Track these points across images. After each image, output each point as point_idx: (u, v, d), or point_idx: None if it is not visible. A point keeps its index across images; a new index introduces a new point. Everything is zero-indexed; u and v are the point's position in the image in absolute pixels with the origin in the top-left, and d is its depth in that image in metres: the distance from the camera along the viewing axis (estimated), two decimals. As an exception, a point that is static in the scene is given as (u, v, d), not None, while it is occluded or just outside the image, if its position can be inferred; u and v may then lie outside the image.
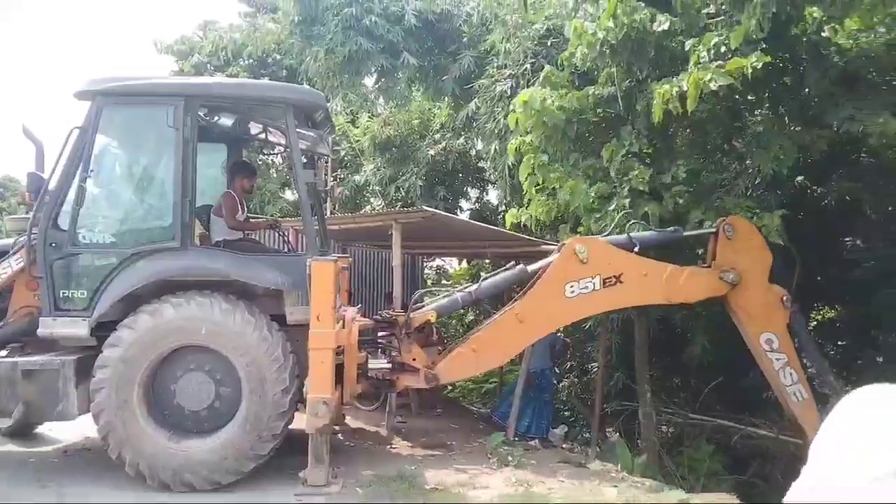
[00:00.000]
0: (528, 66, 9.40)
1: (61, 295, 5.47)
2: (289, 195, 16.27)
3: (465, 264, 16.62)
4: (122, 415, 5.20)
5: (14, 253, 5.69)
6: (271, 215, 12.64)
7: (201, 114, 5.84)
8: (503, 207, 13.62)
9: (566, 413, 11.65)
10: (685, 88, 6.11)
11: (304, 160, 5.95)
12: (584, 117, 7.51)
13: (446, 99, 12.41)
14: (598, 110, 7.60)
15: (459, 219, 8.45)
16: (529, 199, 8.11)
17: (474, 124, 11.35)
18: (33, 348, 5.61)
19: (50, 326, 5.42)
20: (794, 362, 6.05)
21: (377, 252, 11.90)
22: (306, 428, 5.23)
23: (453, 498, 5.17)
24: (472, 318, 14.37)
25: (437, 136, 13.51)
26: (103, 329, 5.41)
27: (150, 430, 5.25)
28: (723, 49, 6.12)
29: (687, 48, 6.40)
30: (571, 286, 6.03)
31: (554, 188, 7.58)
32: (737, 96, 7.23)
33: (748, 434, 8.66)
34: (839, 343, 9.51)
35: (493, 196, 14.84)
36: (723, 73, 5.91)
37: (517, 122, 7.61)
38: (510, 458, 6.34)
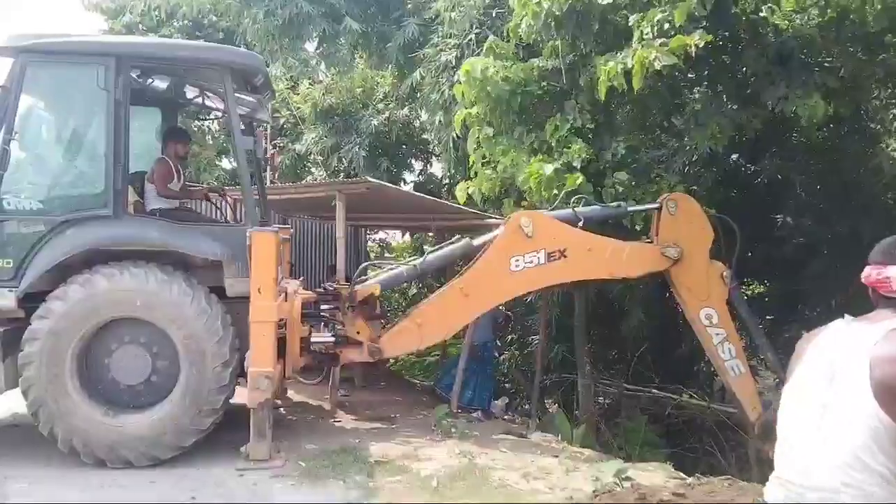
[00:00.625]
0: (473, 36, 9.30)
1: (-15, 264, 5.17)
2: (226, 163, 15.82)
3: (408, 237, 16.54)
4: (53, 389, 4.99)
5: (-70, 220, 5.31)
6: (207, 183, 12.23)
7: (134, 75, 5.56)
8: (447, 180, 13.60)
9: (506, 385, 11.83)
10: (630, 66, 6.17)
11: (243, 127, 5.74)
12: (529, 90, 7.49)
13: (390, 67, 12.22)
14: (543, 83, 7.59)
15: (403, 190, 8.39)
16: (476, 173, 8.09)
17: (418, 95, 11.22)
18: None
19: (-28, 298, 5.12)
20: (732, 337, 6.22)
21: (319, 223, 11.69)
22: (248, 402, 5.14)
23: (399, 471, 5.18)
24: (415, 291, 14.35)
25: (381, 105, 13.29)
26: (31, 300, 5.15)
27: (83, 405, 5.05)
28: (666, 26, 6.19)
29: (631, 23, 6.45)
30: (516, 260, 6.05)
31: (498, 162, 7.58)
32: (677, 74, 7.36)
33: (680, 404, 9.02)
34: (767, 317, 9.93)
35: (437, 168, 14.75)
36: (667, 51, 5.98)
37: (462, 94, 7.56)
38: (453, 430, 6.39)
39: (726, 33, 7.02)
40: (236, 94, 5.57)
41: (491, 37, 7.72)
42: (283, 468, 5.16)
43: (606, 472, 5.13)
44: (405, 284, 12.65)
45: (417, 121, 13.77)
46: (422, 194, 9.15)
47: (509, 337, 11.97)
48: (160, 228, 5.39)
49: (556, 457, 5.79)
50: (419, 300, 12.68)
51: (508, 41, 7.70)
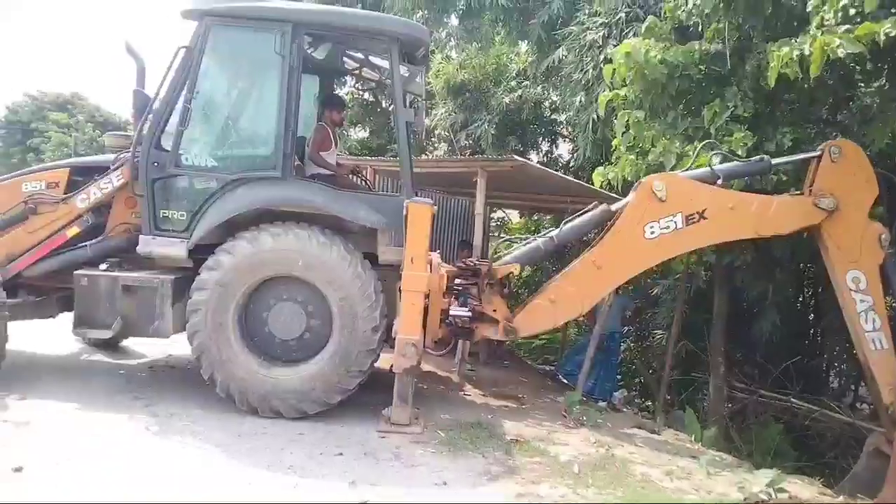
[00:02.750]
0: (623, 14, 9.02)
1: (161, 215, 5.54)
2: (356, 134, 16.18)
3: (522, 218, 16.36)
4: (217, 337, 5.28)
5: (115, 169, 5.73)
6: (338, 154, 12.55)
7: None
8: (573, 163, 13.32)
9: (617, 377, 11.58)
10: (808, 52, 5.75)
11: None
12: (687, 73, 7.17)
13: (527, 45, 12.02)
14: (703, 67, 7.24)
15: (547, 170, 8.22)
16: (618, 157, 7.85)
17: (557, 74, 11.01)
18: (130, 265, 5.71)
19: (149, 245, 5.50)
20: (878, 307, 5.63)
21: (446, 198, 11.77)
22: (393, 368, 5.25)
23: (536, 452, 5.15)
24: (528, 272, 14.21)
25: (514, 83, 13.14)
26: (199, 251, 5.47)
27: (242, 355, 5.33)
28: (852, 12, 5.71)
29: (809, 8, 6.00)
30: (651, 227, 5.74)
31: (648, 147, 7.31)
32: (852, 65, 6.81)
33: (817, 417, 8.48)
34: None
35: (563, 150, 14.49)
36: (852, 38, 5.52)
37: (613, 74, 7.31)
38: (584, 419, 6.30)
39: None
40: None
41: (650, 17, 7.40)
42: (422, 435, 5.26)
43: (755, 481, 4.89)
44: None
45: (548, 101, 13.55)
46: (566, 176, 8.95)
47: (625, 328, 11.69)
48: (324, 193, 5.56)
49: (695, 458, 5.59)
50: (533, 282, 12.71)
51: (665, 21, 7.38)
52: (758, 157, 6.04)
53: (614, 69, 7.12)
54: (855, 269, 5.66)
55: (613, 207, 6.10)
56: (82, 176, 5.90)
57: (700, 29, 7.12)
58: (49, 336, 6.60)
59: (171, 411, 5.31)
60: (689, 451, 5.95)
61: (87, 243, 5.72)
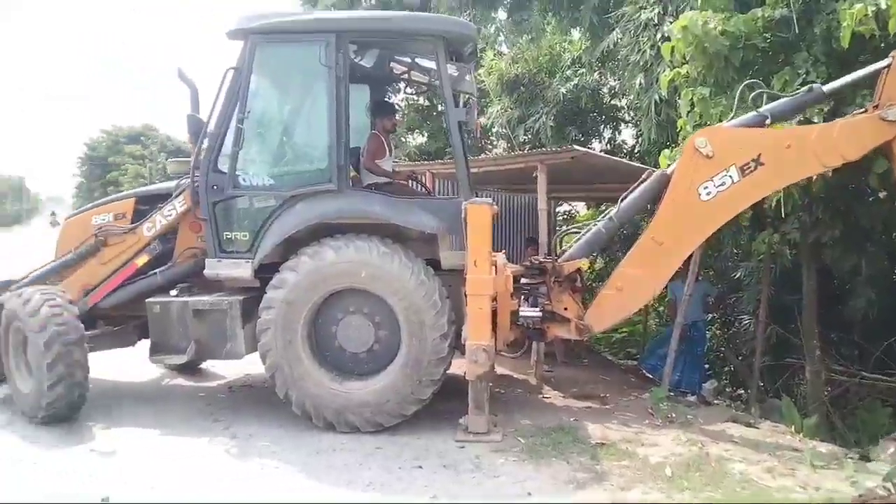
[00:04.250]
0: (679, -10, 8.58)
1: (225, 237, 5.57)
2: (413, 140, 16.15)
3: (587, 210, 15.95)
4: (288, 355, 5.26)
5: (178, 195, 5.82)
6: (394, 161, 12.52)
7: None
8: (638, 148, 12.86)
9: (704, 367, 11.06)
10: (884, 6, 5.27)
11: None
12: (752, 43, 6.72)
13: (580, 32, 11.68)
14: (767, 35, 6.78)
15: (611, 158, 7.91)
16: (684, 138, 7.45)
17: (613, 58, 10.64)
18: (200, 288, 5.77)
19: (215, 268, 5.54)
20: None
21: (509, 195, 11.55)
22: (466, 375, 5.09)
23: (624, 455, 4.89)
24: (601, 265, 13.82)
25: (569, 72, 12.79)
26: (265, 270, 5.46)
27: (313, 371, 5.29)
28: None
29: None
30: (705, 187, 5.29)
31: (716, 124, 6.89)
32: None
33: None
34: None
35: (626, 135, 14.05)
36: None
37: (672, 52, 6.93)
38: (673, 415, 5.97)
39: None
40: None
41: (708, -13, 6.97)
42: (502, 443, 5.08)
43: (869, 475, 4.48)
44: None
45: (606, 86, 13.14)
46: (630, 162, 8.60)
47: (709, 316, 11.15)
48: (381, 202, 5.47)
49: (798, 451, 5.19)
50: (607, 274, 12.29)
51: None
52: (806, 87, 5.48)
53: (673, 46, 6.74)
54: None
55: (669, 170, 5.68)
56: (148, 204, 6.03)
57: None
58: (131, 363, 6.74)
59: (250, 432, 5.32)
60: (790, 443, 5.53)
61: (157, 270, 5.83)
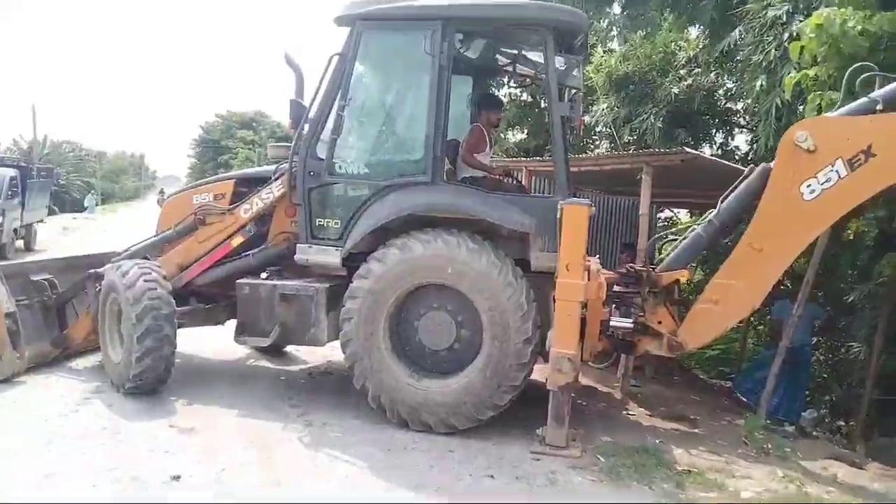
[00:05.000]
0: (810, -13, 7.92)
1: (317, 223, 5.59)
2: (513, 136, 15.90)
3: (691, 217, 15.19)
4: (369, 346, 5.21)
5: (276, 179, 5.88)
6: (492, 156, 12.33)
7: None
8: (752, 154, 12.06)
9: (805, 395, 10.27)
10: None
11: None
12: (894, 44, 6.08)
13: (698, 29, 11.06)
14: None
15: (724, 163, 7.40)
16: (808, 146, 6.85)
17: (733, 58, 10.00)
18: (290, 273, 5.82)
19: (306, 253, 5.57)
20: None
21: (607, 198, 11.12)
22: (548, 384, 4.86)
23: (712, 486, 4.53)
24: (700, 277, 13.11)
25: (683, 71, 12.16)
26: (352, 259, 5.45)
27: (392, 365, 5.22)
28: None
29: None
30: (808, 185, 4.77)
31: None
32: None
33: None
34: None
35: (739, 141, 13.23)
36: None
37: (801, 52, 6.37)
38: (768, 446, 5.51)
39: None
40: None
41: (849, -17, 6.36)
42: (580, 459, 4.83)
43: None
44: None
45: (722, 88, 12.40)
46: (742, 168, 8.03)
47: (815, 340, 10.32)
48: (473, 197, 5.31)
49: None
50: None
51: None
52: None
53: (803, 46, 6.20)
54: None
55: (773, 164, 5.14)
56: (247, 187, 6.14)
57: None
58: (219, 340, 6.93)
59: (325, 420, 5.32)
60: (904, 492, 4.98)
61: (251, 252, 5.92)
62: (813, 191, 4.80)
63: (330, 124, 5.48)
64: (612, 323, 5.86)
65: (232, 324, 6.00)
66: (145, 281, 5.40)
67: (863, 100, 4.87)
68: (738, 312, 5.40)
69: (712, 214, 5.44)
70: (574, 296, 4.82)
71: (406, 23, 5.40)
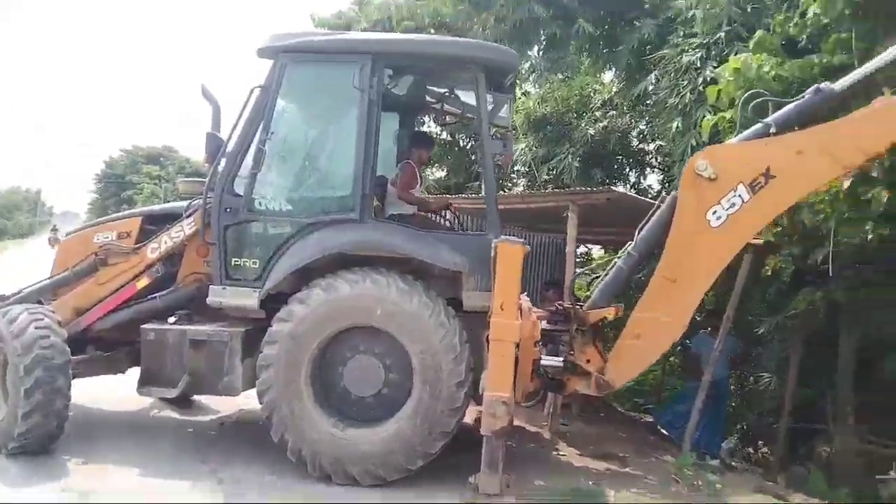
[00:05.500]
0: (723, 34, 8.33)
1: (233, 263, 5.23)
2: (433, 173, 15.87)
3: (605, 253, 15.58)
4: (289, 394, 4.87)
5: (188, 216, 5.50)
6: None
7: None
8: (665, 192, 12.52)
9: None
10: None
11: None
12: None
13: (614, 73, 11.43)
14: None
15: (648, 201, 7.53)
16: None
17: (646, 101, 10.38)
18: (201, 316, 5.41)
19: (220, 295, 5.19)
20: None
21: (529, 235, 11.17)
22: (482, 429, 4.63)
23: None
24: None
25: (598, 113, 12.53)
26: (271, 301, 5.11)
27: (314, 414, 4.89)
28: None
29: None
30: (714, 212, 4.80)
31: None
32: None
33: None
34: None
35: (652, 180, 13.75)
36: None
37: (718, 95, 6.61)
38: (699, 483, 5.50)
39: None
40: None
41: (759, 32, 6.71)
42: (515, 507, 4.61)
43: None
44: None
45: (636, 129, 12.85)
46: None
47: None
48: (403, 235, 5.12)
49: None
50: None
51: (774, 35, 6.67)
52: (813, 87, 4.96)
53: (720, 89, 6.45)
54: None
55: None
56: (155, 224, 5.71)
57: (810, 43, 6.38)
58: (118, 389, 6.32)
59: (239, 477, 4.91)
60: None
61: (158, 294, 5.48)
62: (719, 217, 4.83)
63: (249, 159, 5.18)
64: (542, 362, 5.75)
65: (135, 372, 5.48)
66: (36, 328, 4.86)
67: (757, 126, 4.96)
68: (661, 345, 5.33)
69: (630, 246, 5.40)
70: (509, 336, 4.66)
71: (334, 56, 5.20)
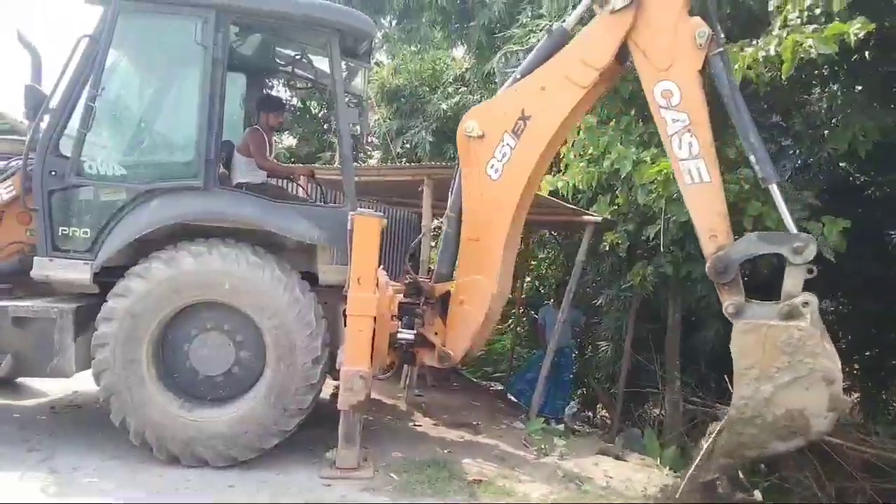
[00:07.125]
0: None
1: (60, 232, 4.70)
2: (283, 141, 15.34)
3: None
4: (129, 376, 4.50)
5: (4, 179, 4.87)
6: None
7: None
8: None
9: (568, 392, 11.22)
10: (772, 53, 5.47)
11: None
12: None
13: (465, 49, 11.56)
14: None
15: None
16: (566, 165, 7.46)
17: (497, 79, 10.61)
18: (24, 292, 4.85)
19: (45, 268, 4.66)
20: (697, 127, 4.33)
21: (386, 209, 11.12)
22: (339, 404, 4.60)
23: (503, 493, 4.61)
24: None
25: (451, 89, 12.64)
26: (107, 275, 4.67)
27: (159, 396, 4.56)
28: (817, 11, 5.47)
29: (770, 8, 5.75)
30: (492, 165, 5.07)
31: (601, 154, 6.93)
32: (808, 69, 6.63)
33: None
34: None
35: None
36: (822, 38, 5.26)
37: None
38: (546, 447, 5.81)
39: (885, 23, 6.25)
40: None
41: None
42: (372, 480, 4.62)
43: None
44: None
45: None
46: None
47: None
48: (254, 205, 4.85)
49: (667, 486, 5.17)
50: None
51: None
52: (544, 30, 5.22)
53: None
54: (664, 78, 4.44)
55: None
56: (-36, 189, 4.98)
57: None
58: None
59: (74, 464, 4.47)
60: (658, 476, 5.54)
61: (-30, 268, 4.82)
62: (497, 170, 5.04)
63: (78, 117, 4.66)
64: (399, 335, 5.76)
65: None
66: None
67: (508, 81, 5.20)
68: (481, 304, 5.31)
69: (448, 211, 5.49)
70: (366, 310, 4.63)
71: (175, 8, 4.75)
